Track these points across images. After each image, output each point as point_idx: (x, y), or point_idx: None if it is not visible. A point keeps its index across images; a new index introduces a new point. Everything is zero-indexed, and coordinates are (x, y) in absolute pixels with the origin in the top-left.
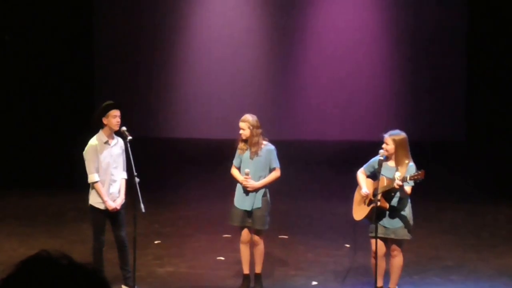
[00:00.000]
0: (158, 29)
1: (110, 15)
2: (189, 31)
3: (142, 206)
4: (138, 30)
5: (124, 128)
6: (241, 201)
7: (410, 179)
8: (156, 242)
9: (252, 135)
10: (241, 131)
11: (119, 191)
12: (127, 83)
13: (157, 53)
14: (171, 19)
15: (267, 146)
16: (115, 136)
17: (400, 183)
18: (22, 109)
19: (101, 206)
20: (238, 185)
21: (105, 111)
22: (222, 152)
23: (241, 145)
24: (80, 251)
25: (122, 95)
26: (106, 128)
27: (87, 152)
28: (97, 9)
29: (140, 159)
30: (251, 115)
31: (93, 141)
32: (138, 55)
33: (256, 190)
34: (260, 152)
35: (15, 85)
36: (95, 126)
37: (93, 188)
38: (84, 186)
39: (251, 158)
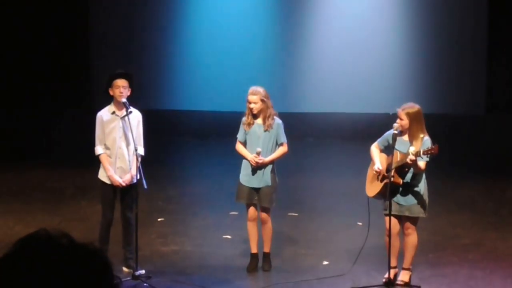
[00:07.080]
0: None
1: None
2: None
3: (144, 182)
4: None
5: (124, 100)
6: (248, 179)
7: (423, 154)
8: (159, 219)
9: (266, 106)
10: (252, 105)
11: (130, 167)
12: (128, 54)
13: (160, 22)
14: None
15: (275, 120)
16: (129, 107)
17: (413, 158)
18: (19, 86)
19: (109, 181)
20: (245, 162)
21: (110, 81)
22: (230, 126)
23: (248, 119)
24: (79, 230)
25: (123, 66)
26: (114, 99)
27: (96, 124)
28: None
29: (144, 133)
30: (260, 86)
31: (101, 111)
32: (137, 21)
33: (264, 166)
34: (273, 125)
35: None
36: (106, 98)
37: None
38: (83, 162)
39: (265, 130)
